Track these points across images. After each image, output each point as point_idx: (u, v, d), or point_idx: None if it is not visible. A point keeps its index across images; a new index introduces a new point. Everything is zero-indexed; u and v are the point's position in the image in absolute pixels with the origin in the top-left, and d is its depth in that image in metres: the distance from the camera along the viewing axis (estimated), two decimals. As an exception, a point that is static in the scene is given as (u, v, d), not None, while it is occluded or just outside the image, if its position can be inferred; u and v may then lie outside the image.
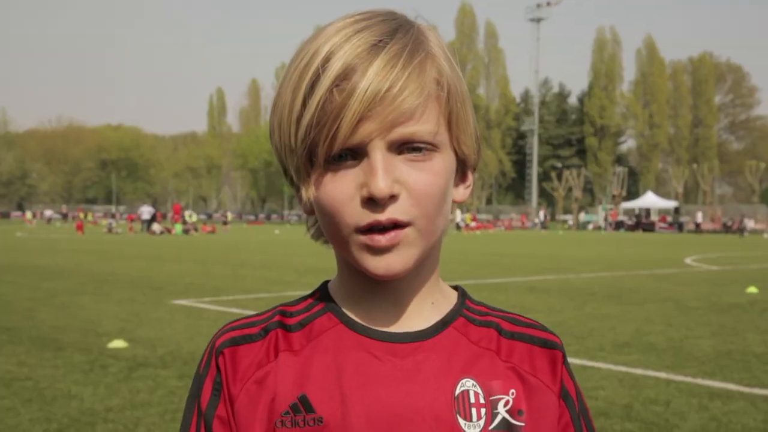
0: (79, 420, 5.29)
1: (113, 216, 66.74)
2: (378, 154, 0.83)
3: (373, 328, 0.93)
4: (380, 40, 0.83)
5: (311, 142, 0.84)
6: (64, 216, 75.80)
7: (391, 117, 0.82)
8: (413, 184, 0.84)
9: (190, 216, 53.87)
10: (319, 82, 0.82)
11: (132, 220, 52.78)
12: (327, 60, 0.82)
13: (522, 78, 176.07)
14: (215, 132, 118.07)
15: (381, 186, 0.82)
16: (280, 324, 0.95)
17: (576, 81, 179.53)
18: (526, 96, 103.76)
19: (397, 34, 0.84)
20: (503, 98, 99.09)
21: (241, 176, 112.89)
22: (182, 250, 26.98)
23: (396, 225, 0.85)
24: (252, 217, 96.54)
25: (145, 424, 5.20)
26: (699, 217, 62.34)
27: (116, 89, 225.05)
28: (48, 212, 76.65)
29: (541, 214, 72.13)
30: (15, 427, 5.15)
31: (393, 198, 0.84)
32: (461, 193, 0.95)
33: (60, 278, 15.41)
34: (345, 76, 0.81)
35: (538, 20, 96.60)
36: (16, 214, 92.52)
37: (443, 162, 0.87)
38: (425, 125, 0.84)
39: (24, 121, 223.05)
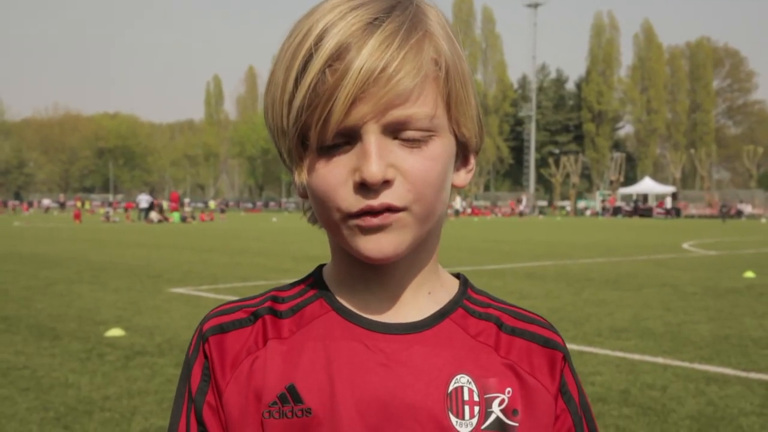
0: (76, 408, 5.29)
1: (111, 204, 66.75)
2: (372, 137, 0.79)
3: (366, 317, 0.90)
4: (376, 18, 0.79)
5: (303, 125, 0.81)
6: (62, 205, 75.78)
7: (385, 99, 0.78)
8: (409, 169, 0.81)
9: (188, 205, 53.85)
10: (311, 61, 0.78)
11: (130, 209, 52.78)
12: (320, 39, 0.79)
13: (519, 64, 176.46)
14: (212, 120, 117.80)
15: (374, 170, 0.79)
16: (271, 310, 0.92)
17: (574, 66, 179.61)
18: (523, 82, 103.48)
19: (395, 11, 0.80)
20: (500, 84, 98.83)
21: (239, 164, 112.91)
22: (180, 238, 26.98)
23: (389, 210, 0.82)
24: (250, 205, 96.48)
25: (142, 413, 5.20)
26: (668, 202, 62.06)
27: (113, 77, 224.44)
28: (45, 201, 76.52)
29: (524, 199, 71.96)
30: (12, 416, 5.15)
31: (387, 183, 0.80)
32: (462, 177, 0.92)
33: (57, 267, 15.40)
34: (338, 55, 0.78)
35: (536, 5, 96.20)
36: (13, 203, 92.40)
37: (442, 146, 0.83)
38: (422, 107, 0.80)
39: (20, 110, 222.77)
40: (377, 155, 0.79)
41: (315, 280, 0.95)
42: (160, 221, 44.54)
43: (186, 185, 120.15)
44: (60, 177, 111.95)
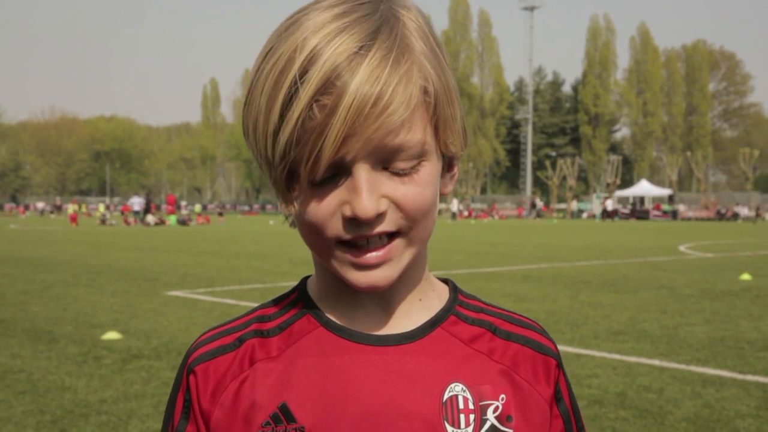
0: (73, 412, 5.28)
1: (107, 207, 66.66)
2: (362, 172, 0.78)
3: (356, 330, 0.89)
4: (362, 46, 0.76)
5: (292, 160, 0.78)
6: (58, 208, 75.73)
7: (377, 134, 0.76)
8: (402, 198, 0.80)
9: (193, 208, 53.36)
10: (297, 96, 0.76)
11: (125, 212, 52.66)
12: (305, 71, 0.76)
13: (516, 66, 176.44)
14: (209, 123, 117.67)
15: (367, 207, 0.78)
16: (257, 333, 0.91)
17: (570, 69, 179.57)
18: (520, 84, 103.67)
19: (380, 36, 0.77)
20: (497, 87, 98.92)
21: (236, 167, 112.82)
22: (177, 242, 26.94)
23: (383, 234, 0.81)
24: (247, 208, 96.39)
25: (138, 416, 5.19)
26: (609, 204, 62.76)
27: (109, 80, 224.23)
28: (40, 204, 76.41)
29: (537, 202, 71.86)
30: (8, 420, 5.13)
31: (380, 216, 0.80)
32: (448, 186, 0.91)
33: (54, 270, 15.37)
34: (325, 90, 0.75)
35: (532, 8, 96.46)
36: (10, 206, 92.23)
37: (431, 170, 0.83)
38: (412, 136, 0.79)
39: (16, 113, 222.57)
40: (369, 190, 0.78)
41: (300, 295, 0.94)
42: (157, 224, 44.48)
43: (183, 188, 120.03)
44: (56, 180, 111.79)
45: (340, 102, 0.74)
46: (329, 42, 0.76)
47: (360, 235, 0.80)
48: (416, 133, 0.79)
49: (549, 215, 74.32)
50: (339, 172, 0.79)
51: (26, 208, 73.83)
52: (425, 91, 0.80)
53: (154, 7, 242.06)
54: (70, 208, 57.87)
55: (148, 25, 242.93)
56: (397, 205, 0.81)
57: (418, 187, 0.81)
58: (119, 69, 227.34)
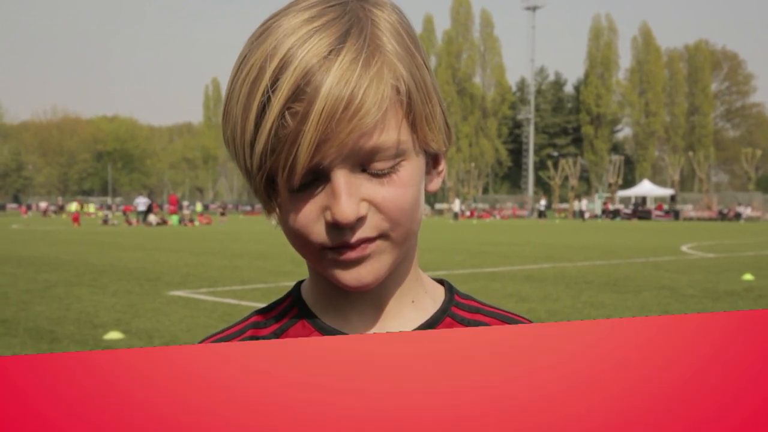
0: (75, 411, 5.29)
1: (109, 207, 66.73)
2: (340, 177, 0.78)
3: (350, 334, 0.88)
4: (331, 50, 0.76)
5: (269, 169, 0.79)
6: (60, 208, 75.89)
7: (349, 138, 0.76)
8: (381, 200, 0.80)
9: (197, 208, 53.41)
10: (269, 105, 0.76)
11: (128, 212, 52.67)
12: (276, 79, 0.76)
13: (518, 67, 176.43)
14: (211, 123, 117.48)
15: (346, 211, 0.78)
16: (252, 339, 0.92)
17: (572, 69, 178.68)
18: (522, 85, 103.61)
19: (350, 38, 0.77)
20: (499, 87, 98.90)
21: (237, 167, 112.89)
22: (179, 241, 26.97)
23: (366, 241, 0.81)
24: (248, 208, 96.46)
25: (141, 415, 5.19)
26: (584, 205, 62.38)
27: (111, 80, 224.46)
28: (42, 204, 76.58)
29: (543, 201, 71.80)
30: (11, 419, 5.14)
31: (361, 219, 0.80)
32: (435, 182, 0.90)
33: (56, 270, 15.40)
34: (296, 97, 0.75)
35: (534, 8, 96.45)
36: (11, 206, 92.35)
37: (411, 169, 0.82)
38: (387, 136, 0.78)
39: (18, 113, 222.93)
40: (347, 194, 0.78)
41: (294, 300, 0.94)
42: (158, 224, 44.54)
43: (185, 188, 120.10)
44: (58, 180, 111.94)
45: (311, 108, 0.75)
46: (299, 48, 0.76)
47: (345, 242, 0.81)
48: (391, 134, 0.79)
49: (553, 215, 74.28)
50: (318, 177, 0.79)
51: (29, 208, 73.91)
52: (397, 91, 0.79)
53: (154, 7, 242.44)
54: (34, 205, 58.42)
55: (148, 25, 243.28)
56: (378, 208, 0.80)
57: (398, 188, 0.81)
58: (121, 69, 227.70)
